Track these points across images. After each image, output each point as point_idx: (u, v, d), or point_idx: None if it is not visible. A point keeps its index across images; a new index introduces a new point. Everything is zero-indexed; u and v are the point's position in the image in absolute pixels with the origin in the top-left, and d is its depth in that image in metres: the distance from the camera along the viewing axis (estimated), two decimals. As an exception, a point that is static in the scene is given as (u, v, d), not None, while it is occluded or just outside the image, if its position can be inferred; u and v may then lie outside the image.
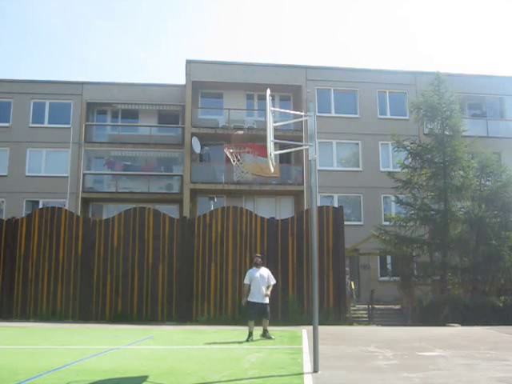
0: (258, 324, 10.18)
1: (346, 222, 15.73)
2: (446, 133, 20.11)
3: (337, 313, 14.31)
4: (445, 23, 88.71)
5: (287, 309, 14.20)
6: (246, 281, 10.09)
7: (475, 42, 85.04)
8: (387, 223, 21.27)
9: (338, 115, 25.75)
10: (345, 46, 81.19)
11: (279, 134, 17.72)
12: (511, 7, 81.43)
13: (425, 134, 21.98)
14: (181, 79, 27.52)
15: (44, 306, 14.67)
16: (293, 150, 14.30)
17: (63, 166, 25.09)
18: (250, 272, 10.26)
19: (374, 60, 76.46)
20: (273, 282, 10.27)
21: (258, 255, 10.71)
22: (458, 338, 11.08)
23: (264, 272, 10.22)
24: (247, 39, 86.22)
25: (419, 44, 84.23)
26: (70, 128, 25.39)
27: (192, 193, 24.13)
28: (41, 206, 22.30)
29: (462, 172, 19.70)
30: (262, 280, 10.04)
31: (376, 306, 19.24)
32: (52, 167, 25.23)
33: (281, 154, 22.39)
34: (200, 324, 13.94)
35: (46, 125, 25.84)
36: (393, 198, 21.88)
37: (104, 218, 18.92)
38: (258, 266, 10.22)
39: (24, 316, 14.58)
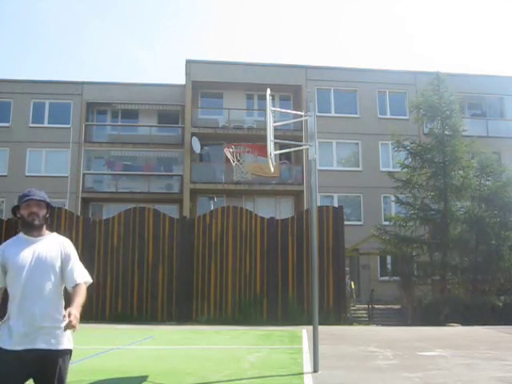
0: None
1: (345, 222, 15.72)
2: (446, 133, 20.13)
3: (337, 313, 14.30)
4: (445, 23, 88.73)
5: (287, 309, 14.20)
6: None
7: (475, 42, 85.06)
8: (387, 223, 21.27)
9: (337, 115, 25.75)
10: (345, 46, 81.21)
11: (279, 133, 17.71)
12: (511, 7, 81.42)
13: (425, 134, 22.00)
14: (181, 79, 27.51)
15: (44, 306, 14.65)
16: (293, 149, 14.35)
17: (63, 166, 25.07)
18: (4, 248, 3.16)
19: (374, 60, 76.50)
20: (82, 279, 3.17)
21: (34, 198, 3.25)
22: (458, 338, 11.08)
23: (52, 248, 3.16)
24: (247, 39, 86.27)
25: (419, 44, 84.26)
26: (69, 128, 25.38)
27: (192, 193, 24.13)
28: (41, 206, 22.27)
29: (461, 172, 19.73)
30: (42, 272, 3.07)
31: (376, 306, 19.26)
32: (52, 167, 25.21)
33: (281, 154, 22.40)
34: (200, 324, 13.93)
35: (45, 125, 25.83)
36: (393, 198, 21.90)
37: (104, 217, 18.92)
38: (34, 227, 3.17)
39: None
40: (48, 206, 3.25)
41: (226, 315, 14.34)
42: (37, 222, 3.15)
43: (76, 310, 2.94)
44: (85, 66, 75.29)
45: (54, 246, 3.16)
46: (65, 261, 3.14)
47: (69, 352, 3.13)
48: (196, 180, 24.14)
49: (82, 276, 3.17)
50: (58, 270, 3.10)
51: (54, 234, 3.28)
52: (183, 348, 9.44)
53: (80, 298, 3.06)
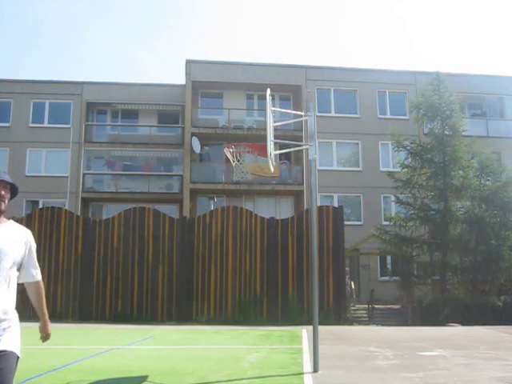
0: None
1: (345, 222, 15.73)
2: (446, 132, 20.14)
3: (337, 313, 14.30)
4: (445, 23, 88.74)
5: (287, 308, 14.21)
6: None
7: (475, 42, 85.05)
8: (387, 223, 21.27)
9: (337, 115, 25.77)
10: (345, 46, 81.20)
11: (279, 133, 17.73)
12: (511, 7, 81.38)
13: (425, 134, 22.01)
14: (181, 79, 27.53)
15: (44, 306, 14.65)
16: (293, 149, 14.34)
17: (63, 166, 25.08)
18: None
19: (374, 60, 76.49)
20: (40, 276, 3.08)
21: None
22: (457, 338, 11.08)
23: (16, 237, 2.96)
24: (247, 39, 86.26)
25: (419, 44, 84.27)
26: (69, 128, 25.39)
27: (192, 193, 24.14)
28: (41, 206, 22.28)
29: (461, 172, 19.74)
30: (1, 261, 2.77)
31: (376, 306, 19.27)
32: (52, 167, 25.22)
33: (281, 154, 22.41)
34: (200, 324, 13.93)
35: (45, 125, 25.84)
36: (393, 198, 21.91)
37: (104, 217, 18.92)
38: None
39: (24, 316, 14.55)
40: (12, 189, 2.93)
41: (226, 315, 14.35)
42: (3, 207, 2.84)
43: (49, 327, 3.16)
44: (85, 66, 75.35)
45: (17, 235, 2.92)
46: (28, 254, 2.96)
47: (12, 354, 2.72)
48: (196, 180, 24.15)
49: (39, 273, 3.06)
50: (18, 261, 2.86)
51: (11, 220, 3.00)
52: (183, 348, 9.43)
53: (44, 306, 3.11)
